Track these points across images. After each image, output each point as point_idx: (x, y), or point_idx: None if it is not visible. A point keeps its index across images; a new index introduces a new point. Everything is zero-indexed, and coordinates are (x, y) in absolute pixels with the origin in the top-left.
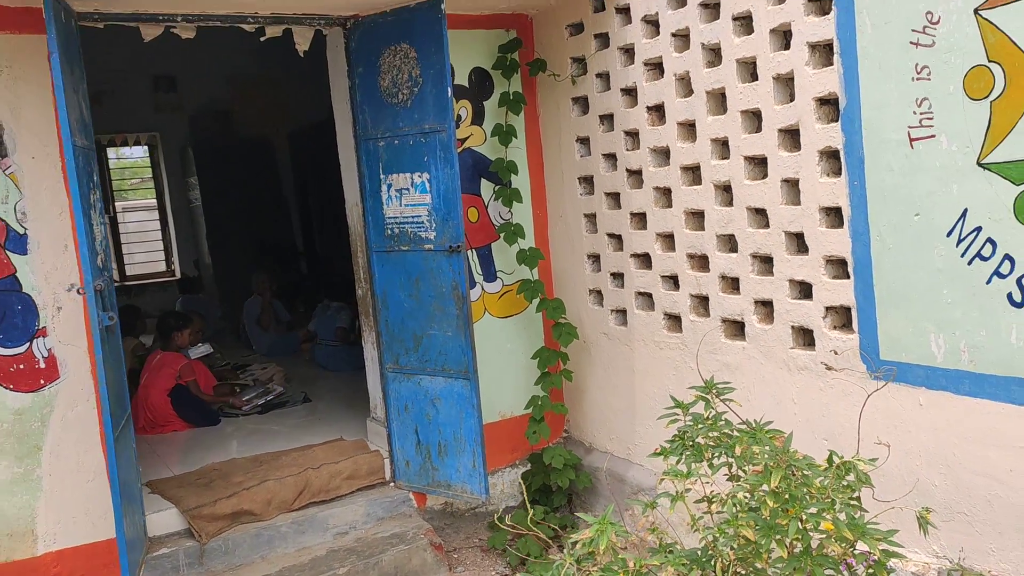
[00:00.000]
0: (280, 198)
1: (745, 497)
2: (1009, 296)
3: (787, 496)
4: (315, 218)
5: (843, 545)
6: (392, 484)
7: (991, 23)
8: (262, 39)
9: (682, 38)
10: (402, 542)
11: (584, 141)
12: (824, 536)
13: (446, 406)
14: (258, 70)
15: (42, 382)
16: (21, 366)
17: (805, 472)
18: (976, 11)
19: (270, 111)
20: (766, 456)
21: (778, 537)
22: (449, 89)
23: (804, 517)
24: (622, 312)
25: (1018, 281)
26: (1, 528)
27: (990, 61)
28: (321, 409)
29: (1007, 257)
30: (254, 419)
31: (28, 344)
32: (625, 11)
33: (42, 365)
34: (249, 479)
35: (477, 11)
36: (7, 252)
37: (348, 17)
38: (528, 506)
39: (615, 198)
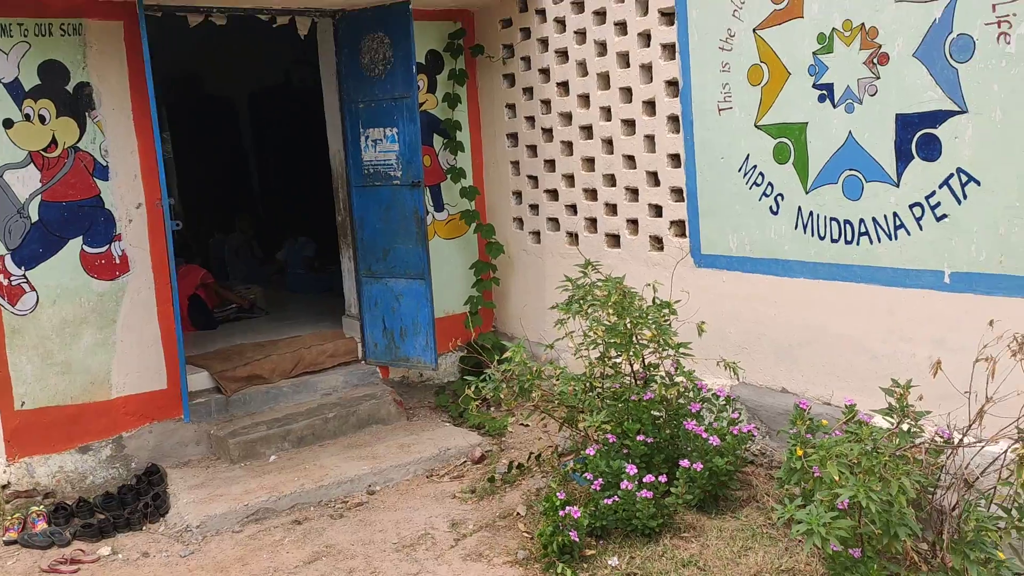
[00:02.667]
0: (241, 150)
1: (600, 317)
2: (770, 208)
3: (622, 309)
4: (273, 167)
5: (655, 344)
6: (363, 361)
7: (762, 38)
8: (274, 26)
9: (581, 34)
10: (372, 399)
11: (511, 107)
12: (647, 341)
13: (407, 300)
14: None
15: (117, 273)
16: (103, 261)
17: (635, 300)
18: (754, 30)
19: (233, 75)
20: (612, 289)
21: (616, 340)
22: (414, 67)
23: (630, 323)
24: (536, 233)
25: (775, 199)
26: (86, 378)
27: (761, 62)
28: (301, 316)
29: (769, 183)
30: (246, 322)
31: (108, 246)
32: (542, 13)
33: (117, 261)
34: (257, 355)
35: (432, 7)
36: (94, 178)
37: (337, 10)
38: (464, 378)
39: (533, 149)
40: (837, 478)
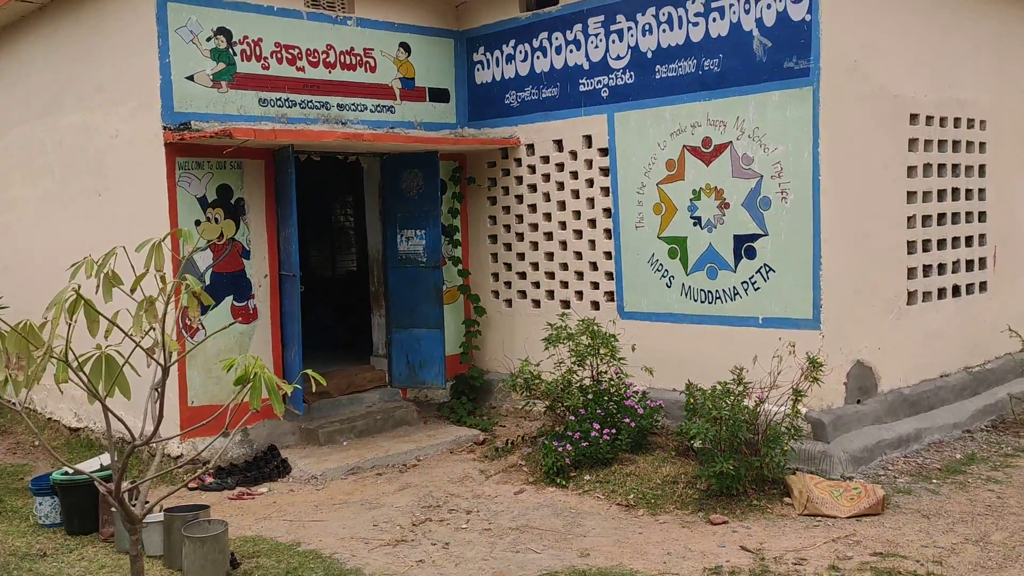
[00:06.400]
0: None
1: (573, 348)
2: (666, 284)
3: (589, 342)
4: None
5: (609, 357)
6: (390, 386)
7: (662, 189)
8: (347, 162)
9: (545, 176)
10: (401, 409)
11: (492, 218)
12: (604, 354)
13: (425, 343)
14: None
15: (251, 319)
16: (244, 311)
17: (598, 334)
18: (657, 184)
19: None
20: (586, 326)
21: (588, 352)
22: (439, 193)
23: (596, 343)
24: (509, 301)
25: (669, 278)
26: (229, 388)
27: (660, 201)
28: (335, 359)
29: (666, 270)
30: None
31: (247, 302)
32: (518, 160)
33: (251, 311)
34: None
35: (444, 153)
36: (241, 258)
37: (385, 154)
38: (457, 399)
39: (508, 246)
40: (710, 410)
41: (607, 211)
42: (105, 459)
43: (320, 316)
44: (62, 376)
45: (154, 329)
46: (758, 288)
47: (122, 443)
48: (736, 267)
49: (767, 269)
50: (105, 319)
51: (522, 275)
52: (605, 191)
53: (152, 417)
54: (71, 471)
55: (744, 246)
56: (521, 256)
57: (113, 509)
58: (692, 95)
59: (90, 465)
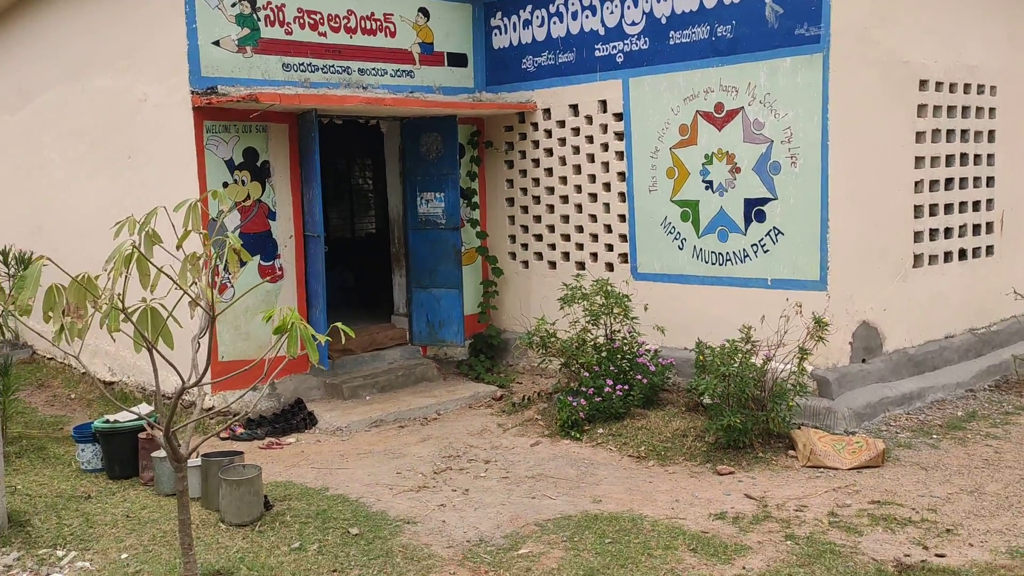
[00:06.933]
0: None
1: (587, 308)
2: (678, 246)
3: (603, 302)
4: None
5: (622, 316)
6: (410, 343)
7: (675, 153)
8: (368, 126)
9: (561, 140)
10: (421, 366)
11: (509, 181)
12: (617, 313)
13: (444, 303)
14: None
15: (277, 278)
16: (270, 270)
17: (611, 294)
18: (670, 148)
19: None
20: (600, 286)
21: (602, 311)
22: (458, 156)
23: (609, 302)
24: (525, 262)
25: (680, 241)
26: (256, 343)
27: (673, 166)
28: (358, 318)
29: (678, 232)
30: None
31: (273, 261)
32: (535, 124)
33: (278, 271)
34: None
35: (462, 118)
36: (268, 219)
37: (405, 118)
38: (475, 356)
39: (524, 208)
40: (719, 367)
41: (621, 175)
42: (141, 409)
43: (342, 277)
44: (115, 325)
45: (195, 283)
46: (767, 251)
47: (156, 395)
48: (746, 230)
49: (776, 232)
50: (161, 272)
51: (538, 237)
52: (620, 155)
53: (195, 364)
54: (111, 420)
55: (754, 210)
56: (537, 218)
57: (153, 455)
58: (705, 61)
59: (127, 415)
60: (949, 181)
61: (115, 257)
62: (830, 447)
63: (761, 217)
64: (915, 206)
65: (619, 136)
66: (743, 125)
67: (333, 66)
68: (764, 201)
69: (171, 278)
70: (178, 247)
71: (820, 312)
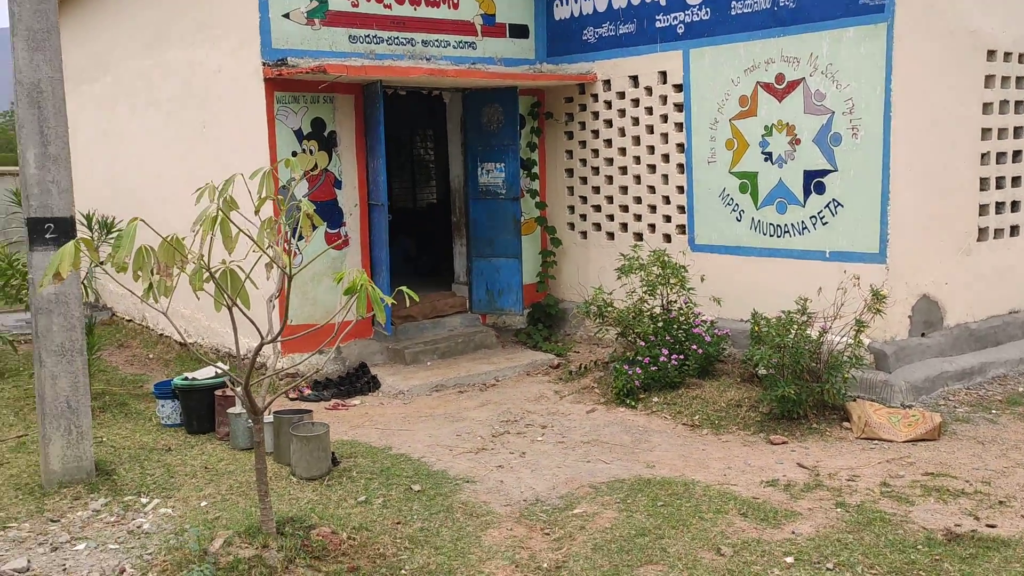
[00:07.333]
0: None
1: (644, 278)
2: (736, 218)
3: (660, 272)
4: None
5: (678, 287)
6: (470, 312)
7: (734, 125)
8: (431, 97)
9: (621, 112)
10: (481, 333)
11: (569, 152)
12: (674, 283)
13: (503, 272)
14: None
15: (343, 246)
16: (336, 238)
17: (668, 264)
18: (730, 120)
19: None
20: (657, 257)
21: (660, 281)
22: (519, 127)
23: (666, 272)
24: (584, 233)
25: (739, 212)
26: (323, 308)
27: (733, 137)
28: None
29: (736, 204)
30: None
31: (339, 229)
32: (595, 96)
33: (343, 238)
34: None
35: (523, 89)
36: (334, 188)
37: (467, 89)
38: (533, 325)
39: (583, 179)
40: (774, 338)
41: (680, 146)
42: (219, 368)
43: (403, 246)
44: (199, 284)
45: (272, 247)
46: (826, 222)
47: (229, 356)
48: (805, 202)
49: (836, 204)
50: (243, 233)
51: (597, 208)
52: (679, 126)
53: (270, 322)
54: (190, 377)
55: (814, 181)
56: (596, 189)
57: (229, 411)
58: (767, 31)
59: (206, 372)
60: (1017, 153)
61: (202, 219)
62: (885, 419)
63: (820, 189)
64: (981, 179)
65: (678, 107)
66: (804, 96)
67: (397, 38)
68: (824, 173)
69: (252, 239)
70: (256, 212)
71: (879, 285)
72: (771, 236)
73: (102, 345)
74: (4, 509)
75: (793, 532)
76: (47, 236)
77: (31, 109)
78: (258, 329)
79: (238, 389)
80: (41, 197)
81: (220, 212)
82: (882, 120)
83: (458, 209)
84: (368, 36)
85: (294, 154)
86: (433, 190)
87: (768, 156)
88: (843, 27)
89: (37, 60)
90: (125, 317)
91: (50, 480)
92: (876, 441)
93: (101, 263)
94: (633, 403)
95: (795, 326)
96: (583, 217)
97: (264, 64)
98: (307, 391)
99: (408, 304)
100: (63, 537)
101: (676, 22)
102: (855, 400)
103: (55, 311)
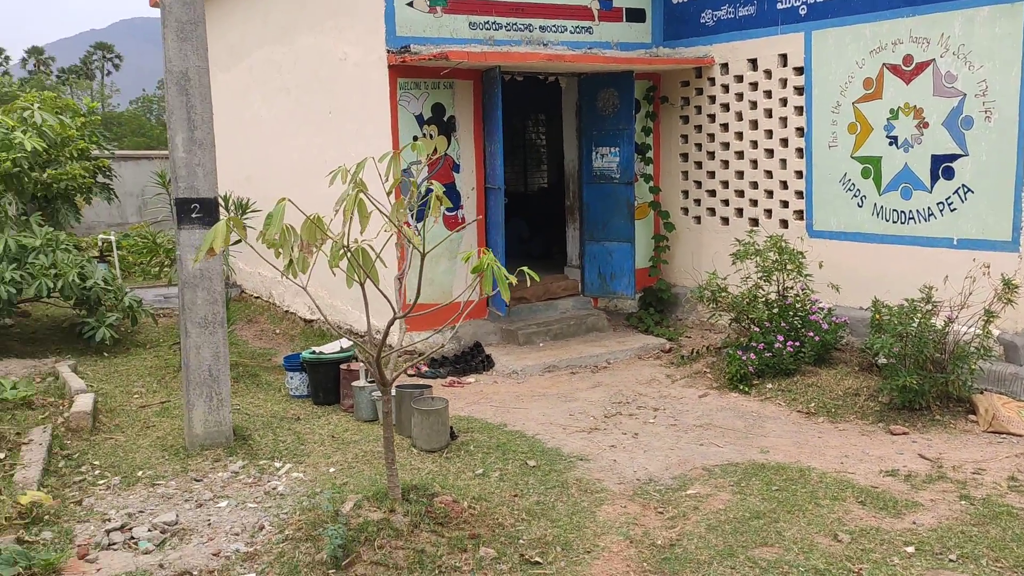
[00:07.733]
0: None
1: (760, 264)
2: (857, 204)
3: (776, 258)
4: None
5: (795, 273)
6: (582, 295)
7: (857, 108)
8: (547, 82)
9: (739, 96)
10: (592, 316)
11: (684, 136)
12: (791, 269)
13: (616, 256)
14: None
15: (460, 227)
16: (454, 220)
17: (785, 250)
18: (852, 103)
19: None
20: (774, 242)
21: (776, 267)
22: (634, 112)
23: (783, 258)
24: (697, 218)
25: (860, 198)
26: (440, 289)
27: (855, 121)
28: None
29: (857, 189)
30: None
31: (456, 211)
32: (711, 79)
33: (460, 220)
34: (521, 286)
35: (638, 73)
36: (452, 172)
37: (582, 73)
38: (645, 309)
39: (698, 164)
40: (896, 326)
41: (799, 130)
42: (344, 343)
43: (517, 229)
44: (335, 262)
45: (403, 228)
46: (954, 209)
47: (351, 333)
48: (932, 188)
49: (965, 190)
50: (379, 211)
51: (711, 192)
52: (798, 110)
53: (400, 298)
54: (318, 351)
55: (942, 166)
56: (711, 174)
57: (353, 384)
58: (894, 11)
59: (331, 347)
60: None
61: (343, 200)
62: (1015, 413)
63: (949, 174)
64: None
65: (798, 91)
66: (933, 78)
67: (515, 24)
68: (953, 157)
69: (388, 217)
70: (388, 193)
71: (1010, 274)
72: (894, 222)
73: (233, 320)
74: (153, 468)
75: (914, 522)
76: (193, 216)
77: (180, 96)
78: (392, 304)
79: (360, 366)
80: (188, 179)
81: (358, 193)
82: (1018, 103)
83: (572, 193)
84: (487, 23)
85: (415, 139)
86: (544, 174)
87: (893, 140)
88: (977, 6)
89: (185, 50)
90: (253, 294)
91: (193, 443)
92: (1004, 435)
93: (243, 240)
94: (746, 389)
95: (919, 315)
96: (697, 202)
97: (388, 51)
98: (424, 368)
99: (529, 284)
100: (206, 495)
101: (799, 3)
102: (982, 392)
103: (200, 285)
